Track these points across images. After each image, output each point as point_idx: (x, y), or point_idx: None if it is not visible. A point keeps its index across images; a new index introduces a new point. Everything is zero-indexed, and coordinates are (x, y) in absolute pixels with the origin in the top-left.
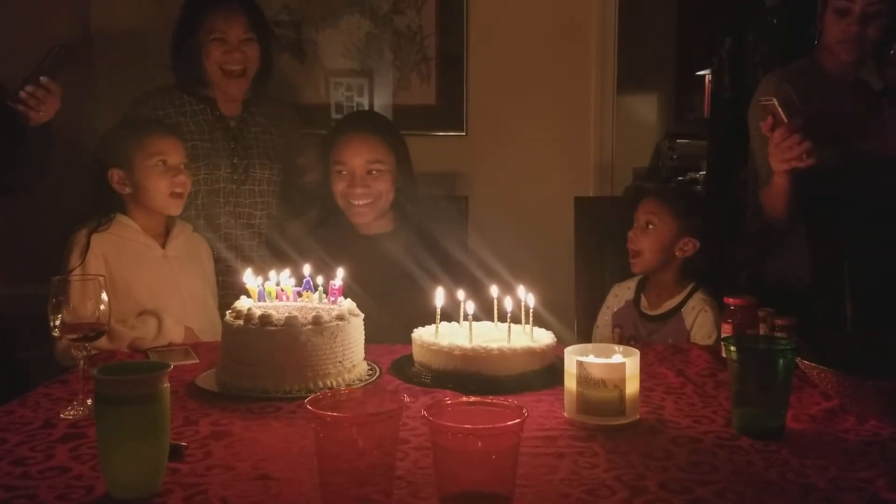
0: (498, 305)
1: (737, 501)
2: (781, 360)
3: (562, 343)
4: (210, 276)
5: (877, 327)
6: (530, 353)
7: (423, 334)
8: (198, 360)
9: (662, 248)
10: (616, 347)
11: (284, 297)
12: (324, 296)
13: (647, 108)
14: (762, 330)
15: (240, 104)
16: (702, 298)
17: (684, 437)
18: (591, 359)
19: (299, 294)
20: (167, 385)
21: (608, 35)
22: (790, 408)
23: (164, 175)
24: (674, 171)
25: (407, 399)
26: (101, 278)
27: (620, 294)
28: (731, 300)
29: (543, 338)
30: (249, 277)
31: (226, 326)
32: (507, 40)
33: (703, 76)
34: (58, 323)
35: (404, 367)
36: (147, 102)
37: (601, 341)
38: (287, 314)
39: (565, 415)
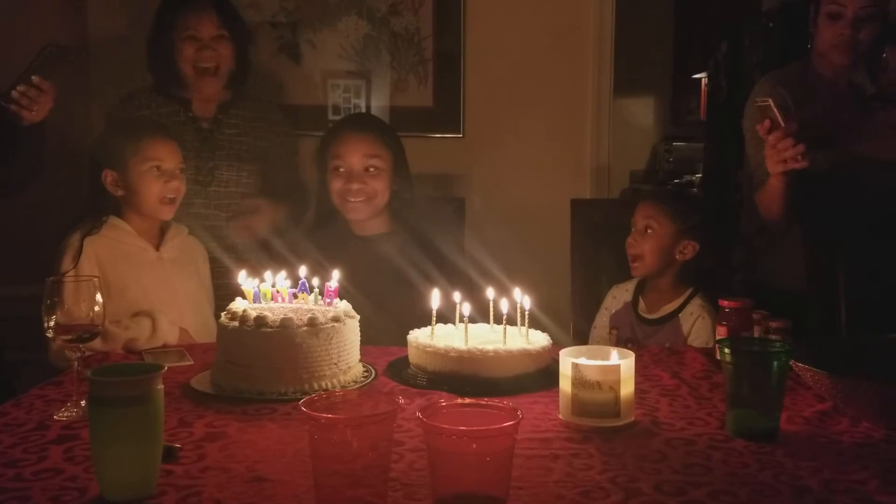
0: (494, 307)
1: (731, 503)
2: (776, 363)
3: (557, 345)
4: (205, 278)
5: (871, 330)
6: (526, 355)
7: (418, 336)
8: (192, 362)
9: (662, 251)
10: (611, 349)
11: (280, 299)
12: (319, 297)
13: (643, 111)
14: (757, 332)
15: (215, 105)
16: (700, 304)
17: (679, 438)
18: (586, 361)
19: (295, 295)
20: (161, 386)
21: (605, 38)
22: (784, 410)
23: (157, 180)
24: (670, 173)
25: (402, 401)
26: (96, 279)
27: (619, 296)
28: (725, 302)
29: (539, 340)
30: (244, 279)
31: (221, 328)
32: (504, 43)
33: (700, 79)
34: (52, 324)
35: (400, 369)
36: (127, 104)
37: (598, 343)
38: (282, 316)
39: (560, 417)
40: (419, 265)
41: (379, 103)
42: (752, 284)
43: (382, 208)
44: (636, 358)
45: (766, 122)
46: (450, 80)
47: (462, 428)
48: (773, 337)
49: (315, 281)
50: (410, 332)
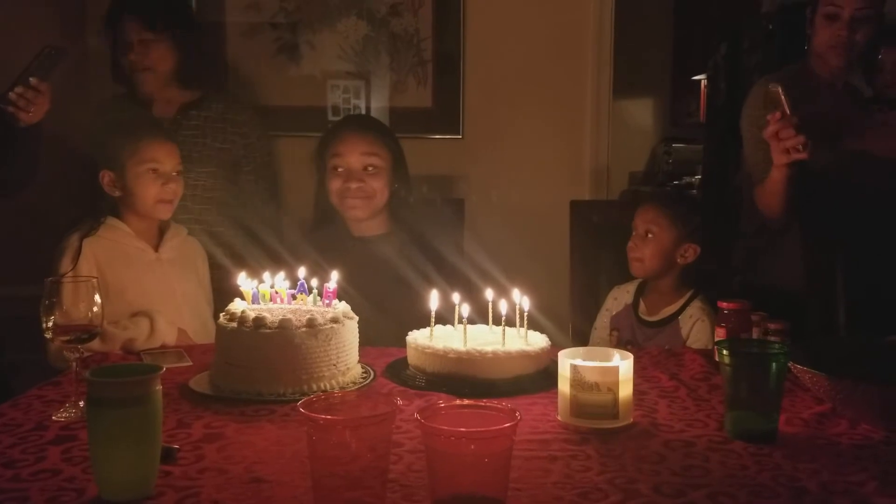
0: (493, 308)
1: None
2: (774, 364)
3: (556, 346)
4: (204, 279)
5: (869, 332)
6: (524, 356)
7: (417, 337)
8: (191, 363)
9: (663, 255)
10: (610, 351)
11: (278, 300)
12: (318, 298)
13: (643, 113)
14: (755, 334)
15: (176, 107)
16: (700, 307)
17: (677, 440)
18: (584, 362)
19: (293, 296)
20: (160, 387)
21: (604, 39)
22: (783, 411)
23: (154, 182)
24: (669, 175)
25: (400, 402)
26: (94, 280)
27: (619, 297)
28: (724, 304)
29: (538, 341)
30: (244, 280)
31: (219, 329)
32: (503, 44)
33: (699, 81)
34: (50, 325)
35: (398, 370)
36: (99, 111)
37: (598, 344)
38: (281, 317)
39: (559, 418)
40: (418, 266)
41: (378, 104)
42: (750, 286)
43: (381, 208)
44: (635, 359)
45: (777, 115)
46: (449, 81)
47: (460, 429)
48: (772, 338)
49: (314, 282)
50: (409, 333)
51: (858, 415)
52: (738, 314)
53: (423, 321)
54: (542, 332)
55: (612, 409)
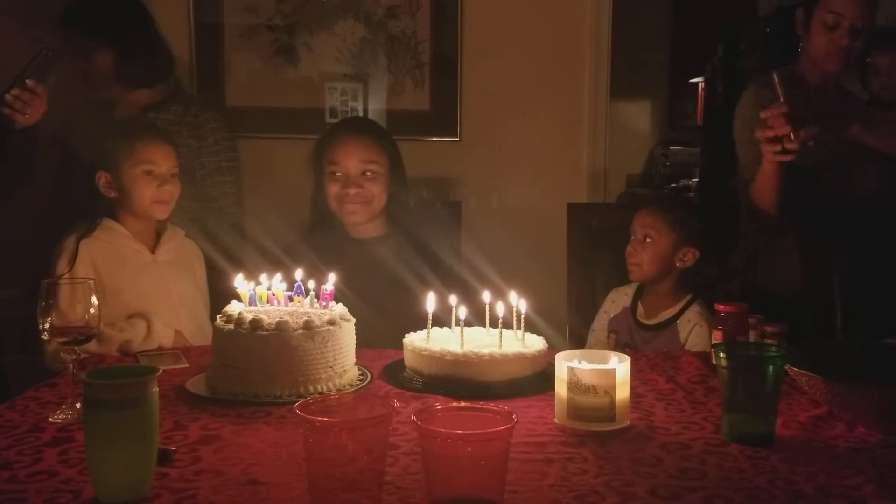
0: (490, 311)
1: None
2: (771, 367)
3: (553, 349)
4: (201, 281)
5: (866, 335)
6: (521, 358)
7: (414, 339)
8: (188, 365)
9: (662, 259)
10: (607, 353)
11: (275, 302)
12: (315, 300)
13: (640, 115)
14: (752, 337)
15: (137, 109)
16: (698, 312)
17: (674, 443)
18: (581, 365)
19: (291, 298)
20: (156, 389)
21: (602, 42)
22: (779, 414)
23: (149, 183)
24: (667, 177)
25: (397, 404)
26: (91, 282)
27: (618, 300)
28: (721, 307)
29: (535, 344)
30: (241, 282)
31: (216, 330)
32: (501, 46)
33: (697, 84)
34: (47, 326)
35: (395, 373)
36: (85, 112)
37: (596, 346)
38: (278, 319)
39: (555, 420)
40: (415, 268)
41: (376, 106)
42: (748, 289)
43: (380, 212)
44: (632, 362)
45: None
46: (447, 83)
47: (457, 431)
48: (769, 341)
49: (311, 284)
50: (406, 335)
51: (855, 417)
52: (735, 317)
53: (420, 323)
54: (539, 334)
55: (608, 411)
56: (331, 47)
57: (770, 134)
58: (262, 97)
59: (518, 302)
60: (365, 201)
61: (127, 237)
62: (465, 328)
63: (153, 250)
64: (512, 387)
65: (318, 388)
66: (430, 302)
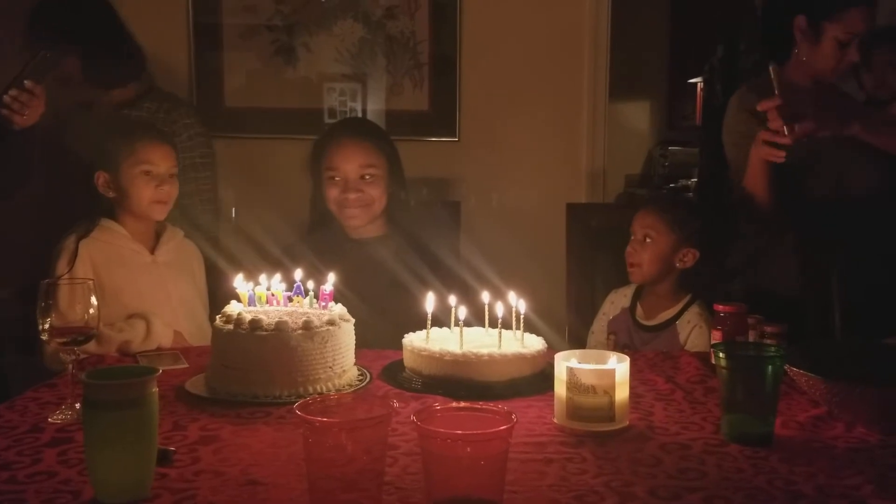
0: (489, 311)
1: None
2: (770, 367)
3: (552, 349)
4: (200, 281)
5: (865, 335)
6: (521, 358)
7: (413, 340)
8: (187, 365)
9: (662, 260)
10: (607, 354)
11: (275, 302)
12: (314, 301)
13: (639, 115)
14: (752, 337)
15: (113, 108)
16: (697, 313)
17: (673, 443)
18: (580, 365)
19: (290, 299)
20: (156, 389)
21: (601, 42)
22: (779, 415)
23: (148, 183)
24: (666, 178)
25: (396, 404)
26: (90, 282)
27: (617, 301)
28: (720, 307)
29: (534, 344)
30: (241, 282)
31: (216, 331)
32: (500, 46)
33: (696, 84)
34: (46, 327)
35: (395, 373)
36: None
37: (596, 347)
38: (277, 319)
39: (555, 421)
40: (414, 269)
41: (374, 107)
42: (747, 289)
43: (379, 214)
44: (631, 362)
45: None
46: (445, 83)
47: (457, 432)
48: (768, 342)
49: (310, 284)
50: (405, 335)
51: (854, 418)
52: (734, 317)
53: (419, 323)
54: (538, 334)
55: (608, 411)
56: (329, 48)
57: (767, 136)
58: (260, 97)
59: (517, 302)
60: (365, 205)
61: (126, 237)
62: (465, 328)
63: (152, 251)
64: (511, 387)
65: (318, 388)
66: (430, 302)
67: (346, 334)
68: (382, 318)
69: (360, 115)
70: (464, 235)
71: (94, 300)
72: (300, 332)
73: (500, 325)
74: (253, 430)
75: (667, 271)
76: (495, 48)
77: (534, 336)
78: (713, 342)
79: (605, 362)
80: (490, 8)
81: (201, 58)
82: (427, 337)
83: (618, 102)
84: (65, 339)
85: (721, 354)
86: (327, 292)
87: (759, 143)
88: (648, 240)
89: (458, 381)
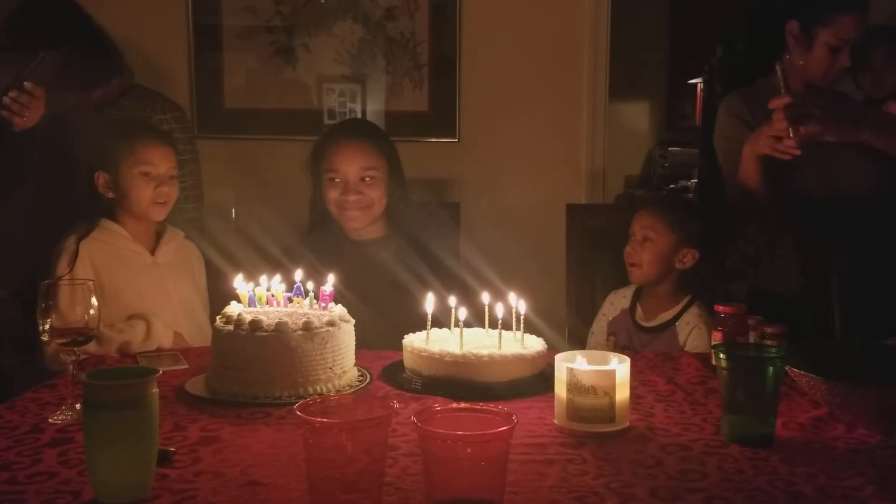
0: (489, 312)
1: None
2: (771, 368)
3: (553, 350)
4: (200, 282)
5: (865, 335)
6: (521, 359)
7: (413, 340)
8: (187, 366)
9: (662, 261)
10: (607, 354)
11: (275, 303)
12: (314, 301)
13: (639, 116)
14: (752, 338)
15: (94, 108)
16: (697, 314)
17: (674, 444)
18: (581, 365)
19: (290, 299)
20: (156, 390)
21: (600, 42)
22: (779, 415)
23: (147, 184)
24: (665, 178)
25: (397, 405)
26: (91, 283)
27: (616, 302)
28: (721, 308)
29: (534, 344)
30: (241, 283)
31: (216, 332)
32: (499, 47)
33: (696, 84)
34: (47, 327)
35: (395, 374)
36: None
37: (596, 348)
38: (277, 320)
39: (555, 422)
40: (414, 269)
41: (374, 108)
42: (747, 289)
43: (380, 215)
44: (631, 363)
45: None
46: (445, 84)
47: (457, 432)
48: (769, 342)
49: (310, 285)
50: (405, 336)
51: (855, 419)
52: (734, 318)
53: (419, 324)
54: (538, 335)
55: (608, 412)
56: (329, 48)
57: (770, 132)
58: (260, 98)
59: (517, 303)
60: (365, 207)
61: (126, 238)
62: (465, 329)
63: (153, 251)
64: (511, 388)
65: (318, 389)
66: (430, 303)
67: (346, 335)
68: (382, 318)
69: (359, 115)
70: (463, 236)
71: (94, 301)
72: (300, 332)
73: (500, 326)
74: (253, 431)
75: (666, 272)
76: (495, 49)
77: (534, 337)
78: (714, 343)
79: (605, 363)
80: (490, 8)
81: (201, 58)
82: (427, 338)
83: (617, 103)
84: (65, 340)
85: (722, 355)
86: (327, 293)
87: (754, 140)
88: (648, 240)
89: (458, 382)
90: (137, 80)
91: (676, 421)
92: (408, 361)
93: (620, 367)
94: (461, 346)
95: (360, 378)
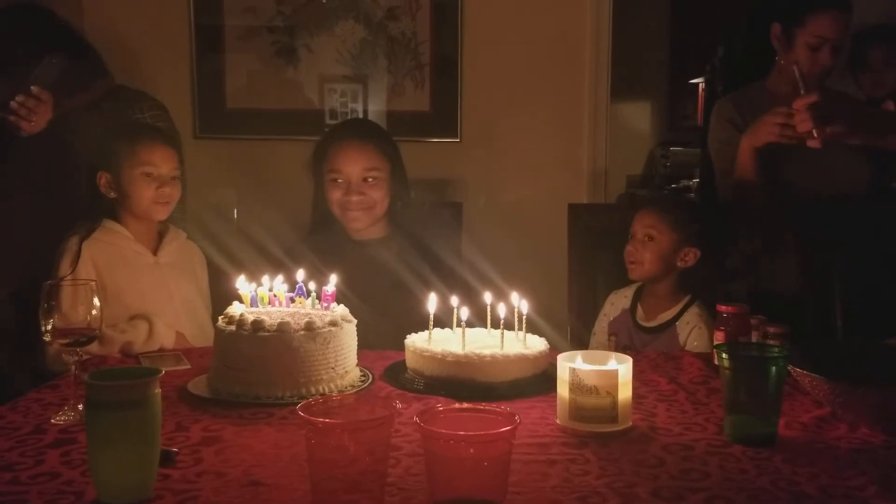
0: (491, 312)
1: None
2: (773, 368)
3: (555, 350)
4: (202, 282)
5: (866, 335)
6: (523, 359)
7: (415, 340)
8: (189, 366)
9: (663, 259)
10: (609, 354)
11: (277, 303)
12: (317, 301)
13: (640, 116)
14: (755, 337)
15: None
16: (697, 314)
17: (676, 444)
18: (583, 365)
19: (292, 300)
20: (158, 390)
21: (602, 42)
22: (782, 415)
23: (148, 185)
24: (667, 178)
25: (399, 405)
26: (93, 283)
27: (617, 302)
28: (723, 308)
29: (536, 344)
30: (243, 283)
31: (218, 332)
32: (501, 47)
33: (697, 84)
34: (49, 328)
35: (397, 374)
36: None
37: (598, 349)
38: (279, 320)
39: (558, 422)
40: (416, 269)
41: (376, 108)
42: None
43: (382, 215)
44: (633, 363)
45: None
46: (447, 84)
47: (460, 433)
48: (771, 342)
49: (312, 285)
50: (408, 336)
51: (858, 418)
52: (737, 318)
53: (421, 324)
54: (540, 335)
55: (610, 412)
56: (331, 49)
57: (774, 120)
58: (262, 99)
59: (519, 302)
60: (367, 207)
61: (128, 239)
62: (467, 329)
63: (155, 252)
64: (513, 388)
65: (320, 389)
66: (432, 303)
67: (349, 335)
68: (384, 318)
69: (361, 116)
70: (465, 236)
71: (96, 301)
72: (302, 332)
73: (502, 326)
74: (255, 431)
75: (667, 270)
76: (496, 49)
77: (536, 337)
78: (716, 343)
79: (607, 363)
80: (491, 8)
81: (202, 59)
82: (429, 338)
83: (619, 103)
84: (67, 341)
85: (724, 355)
86: (329, 293)
87: (752, 133)
88: (650, 239)
89: (460, 382)
90: (137, 80)
91: (679, 421)
92: (410, 361)
93: (623, 367)
94: (463, 346)
95: (363, 378)
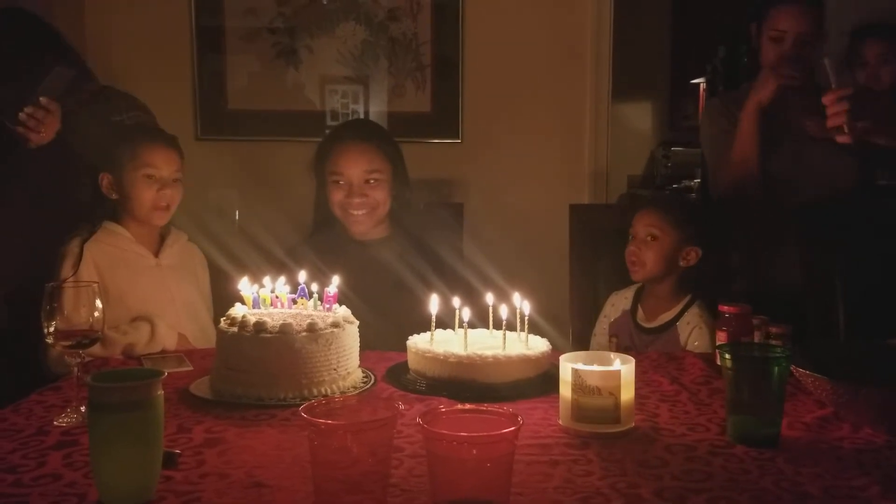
0: (493, 313)
1: None
2: (776, 368)
3: (557, 350)
4: (204, 284)
5: (869, 334)
6: (525, 360)
7: (417, 341)
8: (191, 368)
9: (665, 258)
10: (611, 355)
11: (279, 304)
12: (318, 303)
13: (641, 116)
14: (757, 337)
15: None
16: (697, 314)
17: (679, 444)
18: (585, 366)
19: (294, 301)
20: (161, 392)
21: (603, 42)
22: (785, 415)
23: (149, 187)
24: (668, 178)
25: (401, 406)
26: (95, 285)
27: (617, 303)
28: (725, 308)
29: (538, 345)
30: (245, 285)
31: (220, 333)
32: (502, 48)
33: (698, 84)
34: (51, 330)
35: (399, 375)
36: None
37: (599, 350)
38: (282, 321)
39: (560, 422)
40: (418, 270)
41: (377, 109)
42: (751, 289)
43: (384, 216)
44: (636, 363)
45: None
46: (448, 85)
47: (462, 434)
48: (774, 342)
49: (314, 286)
50: (409, 337)
51: (861, 419)
52: (739, 318)
53: (423, 325)
54: (542, 336)
55: (613, 413)
56: (332, 50)
57: (830, 124)
58: (262, 100)
59: (521, 303)
60: (369, 209)
61: (130, 240)
62: (469, 330)
63: (156, 254)
64: (516, 389)
65: (322, 390)
66: (434, 304)
67: (351, 336)
68: (386, 319)
69: (362, 117)
70: (467, 237)
71: (98, 303)
72: (304, 334)
73: (504, 327)
74: (258, 433)
75: (669, 270)
76: (497, 49)
77: (538, 337)
78: (718, 343)
79: (609, 364)
80: (492, 9)
81: (203, 60)
82: (431, 339)
83: (620, 103)
84: (70, 343)
85: (727, 355)
86: (331, 294)
87: (757, 88)
88: (653, 239)
89: (462, 383)
90: (137, 81)
91: (681, 421)
92: (412, 362)
93: (625, 367)
94: (465, 347)
95: (365, 379)
